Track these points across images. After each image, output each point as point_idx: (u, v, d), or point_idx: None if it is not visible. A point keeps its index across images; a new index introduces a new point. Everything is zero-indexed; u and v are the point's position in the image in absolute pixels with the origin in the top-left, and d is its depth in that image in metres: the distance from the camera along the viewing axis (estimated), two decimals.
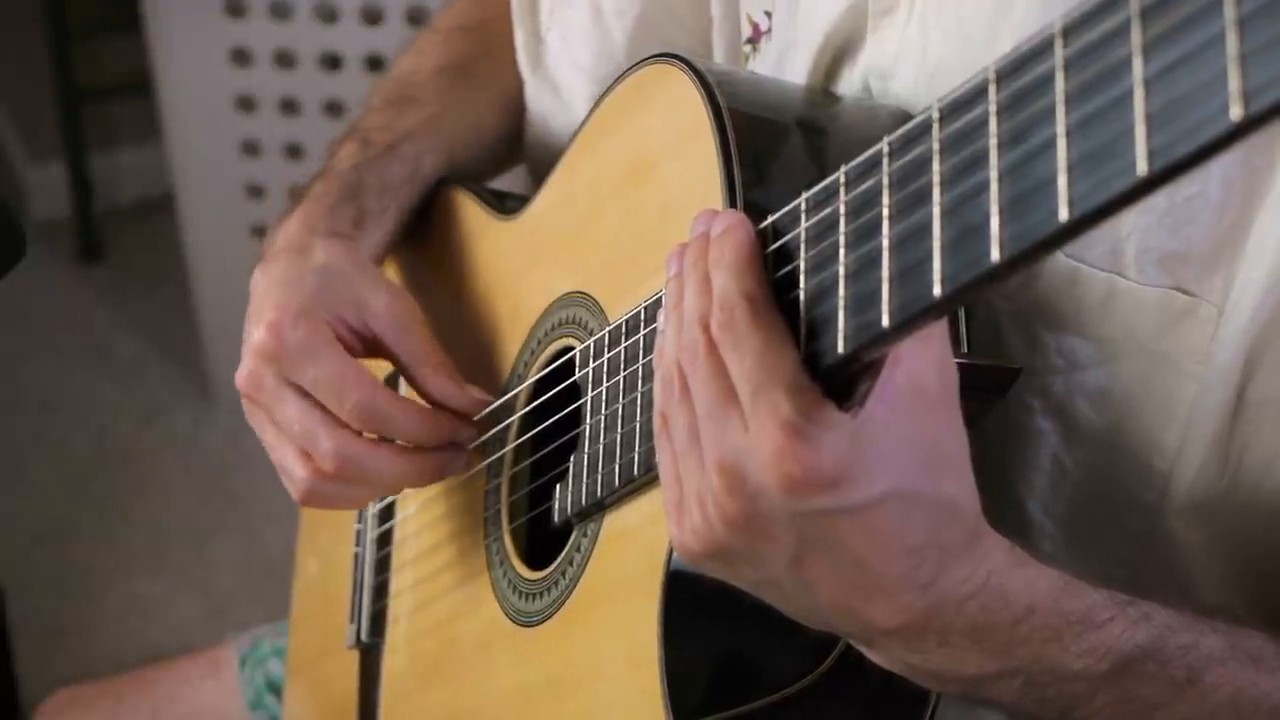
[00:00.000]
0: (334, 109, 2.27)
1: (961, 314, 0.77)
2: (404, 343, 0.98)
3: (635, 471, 0.82)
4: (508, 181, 1.20)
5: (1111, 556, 0.83)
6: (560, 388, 0.93)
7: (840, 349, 0.65)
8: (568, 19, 1.10)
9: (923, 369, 0.64)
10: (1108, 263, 0.77)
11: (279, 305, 0.96)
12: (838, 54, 0.90)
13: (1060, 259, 0.77)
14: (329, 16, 2.21)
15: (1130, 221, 0.75)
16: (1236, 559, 0.82)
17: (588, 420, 0.88)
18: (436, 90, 1.13)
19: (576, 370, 0.90)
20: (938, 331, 0.65)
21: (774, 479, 0.64)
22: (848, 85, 0.89)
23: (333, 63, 2.24)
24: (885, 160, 0.63)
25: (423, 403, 0.99)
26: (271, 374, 0.95)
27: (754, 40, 0.98)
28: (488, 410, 1.01)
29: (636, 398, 0.82)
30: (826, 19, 0.88)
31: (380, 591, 1.11)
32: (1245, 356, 0.76)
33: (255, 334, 0.96)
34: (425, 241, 1.12)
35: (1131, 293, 0.77)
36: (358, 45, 2.23)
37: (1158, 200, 0.73)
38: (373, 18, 2.20)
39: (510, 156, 1.19)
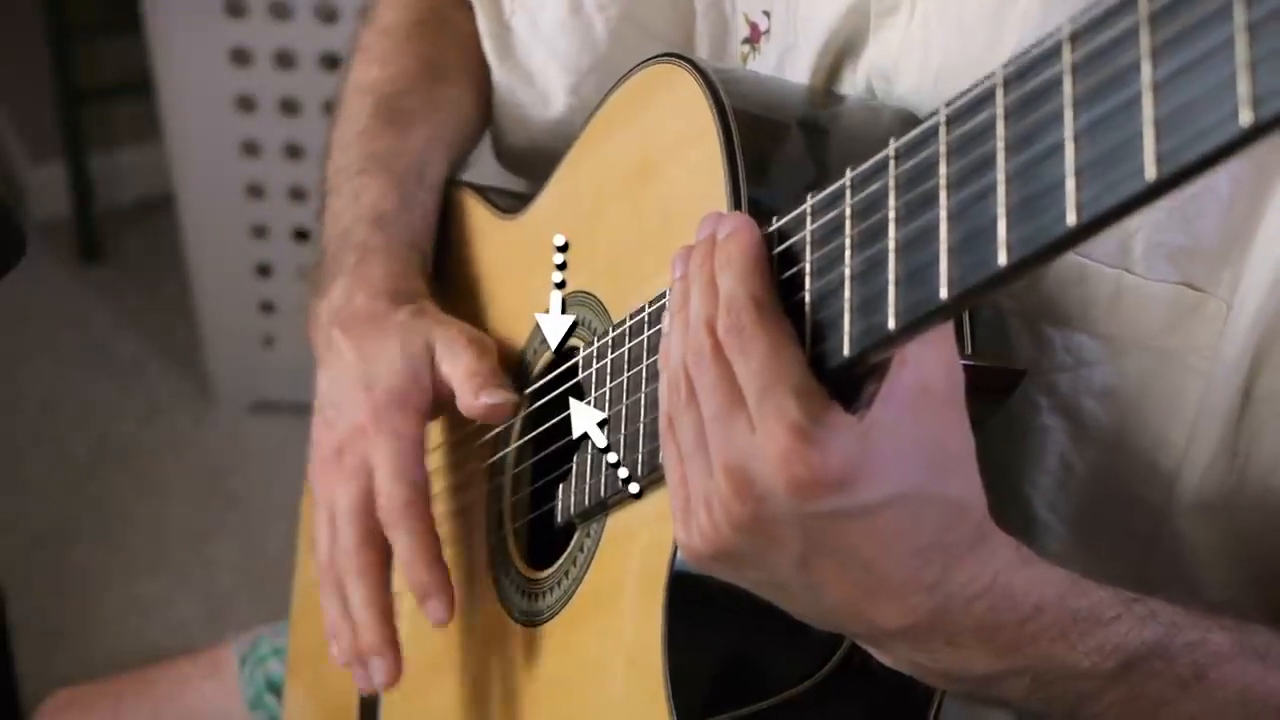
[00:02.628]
0: (334, 108, 2.27)
1: (966, 314, 0.77)
2: (452, 372, 0.97)
3: (639, 472, 0.82)
4: (504, 180, 1.20)
5: (1118, 554, 0.84)
6: (564, 388, 0.93)
7: (846, 351, 0.65)
8: (536, 6, 1.09)
9: (929, 371, 0.64)
10: (1116, 259, 0.77)
11: (383, 384, 0.96)
12: (840, 55, 0.90)
13: (1067, 256, 0.77)
14: (329, 16, 2.21)
15: (1139, 217, 0.75)
16: (1243, 556, 0.82)
17: None
18: (427, 100, 1.12)
19: (580, 370, 0.90)
20: (944, 333, 0.65)
21: (781, 481, 0.64)
22: (851, 86, 0.89)
23: (333, 63, 2.23)
24: (892, 163, 0.63)
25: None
26: (358, 454, 0.96)
27: (753, 40, 0.98)
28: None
29: (640, 398, 0.82)
30: (827, 20, 0.88)
31: None
32: (1252, 352, 0.76)
33: (357, 415, 0.96)
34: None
35: (1140, 289, 0.77)
36: None
37: (1163, 199, 0.73)
38: None
39: (477, 142, 1.19)
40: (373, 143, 1.09)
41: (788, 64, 0.93)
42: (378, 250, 1.03)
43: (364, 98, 1.13)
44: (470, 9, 1.15)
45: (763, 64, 0.97)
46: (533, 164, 1.06)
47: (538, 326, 0.98)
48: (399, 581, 1.10)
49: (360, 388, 0.97)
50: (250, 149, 2.33)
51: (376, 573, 0.96)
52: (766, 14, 0.96)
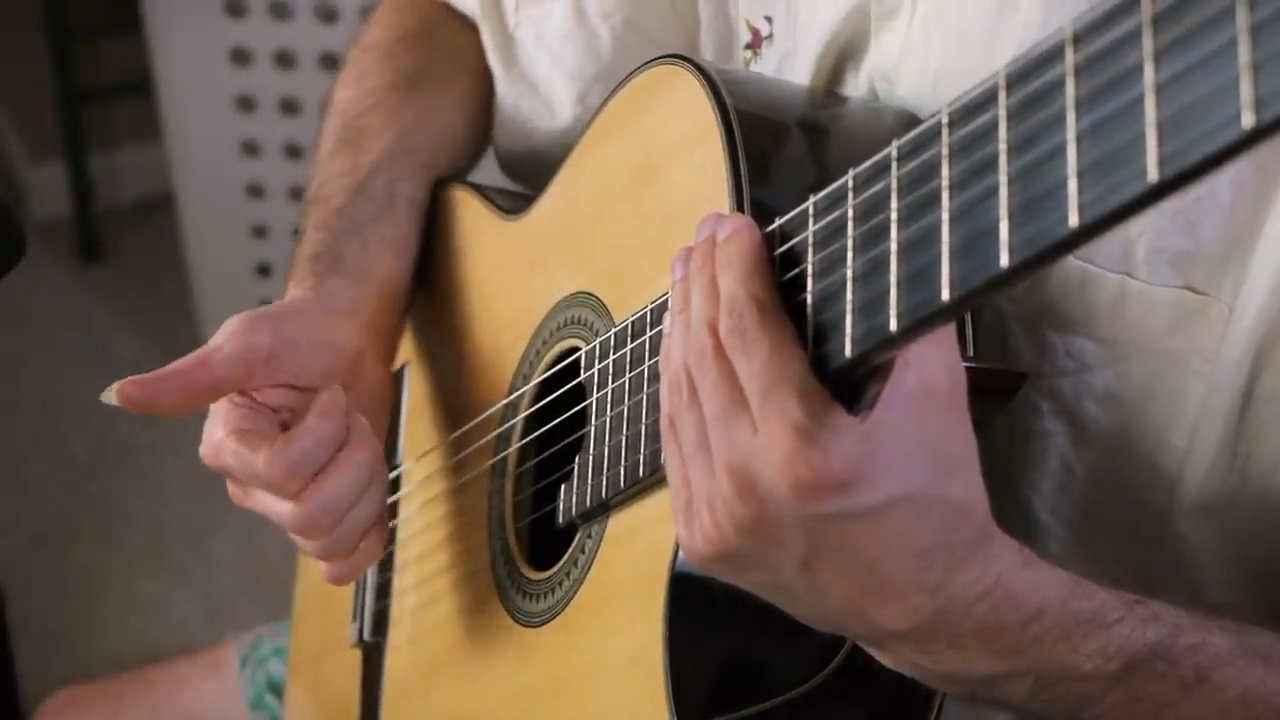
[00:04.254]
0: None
1: (968, 317, 0.77)
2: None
3: (641, 473, 0.82)
4: (506, 182, 1.20)
5: (1119, 557, 0.84)
6: (566, 389, 0.93)
7: (848, 352, 0.65)
8: (541, 16, 1.09)
9: (932, 372, 0.64)
10: (1118, 264, 0.77)
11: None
12: (841, 58, 0.90)
13: (1070, 261, 0.77)
14: (329, 16, 2.21)
15: (1142, 222, 0.75)
16: (1245, 558, 0.82)
17: (593, 421, 0.88)
18: (393, 111, 1.11)
19: (582, 371, 0.90)
20: (946, 335, 0.65)
21: (784, 482, 0.64)
22: (853, 88, 0.90)
23: (333, 63, 2.24)
24: (894, 164, 0.63)
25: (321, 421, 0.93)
26: (230, 481, 0.96)
27: (754, 46, 0.98)
28: (491, 412, 1.01)
29: (642, 399, 0.82)
30: (828, 23, 0.89)
31: (383, 591, 1.11)
32: (1253, 354, 0.76)
33: None
34: (430, 242, 1.11)
35: (1142, 293, 0.77)
36: None
37: (1169, 200, 0.74)
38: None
39: (479, 152, 1.19)
40: (329, 167, 1.10)
41: (787, 68, 0.93)
42: (291, 277, 1.04)
43: (335, 119, 1.13)
44: (466, 22, 1.15)
45: (763, 69, 0.97)
46: (537, 172, 1.06)
47: (540, 327, 0.98)
48: (398, 581, 1.10)
49: None
50: (250, 149, 2.33)
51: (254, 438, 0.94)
52: (768, 19, 0.96)
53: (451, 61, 1.15)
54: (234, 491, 0.97)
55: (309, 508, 0.91)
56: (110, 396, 0.93)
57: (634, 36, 1.06)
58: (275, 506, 0.93)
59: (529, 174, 1.15)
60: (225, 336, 0.95)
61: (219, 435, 0.93)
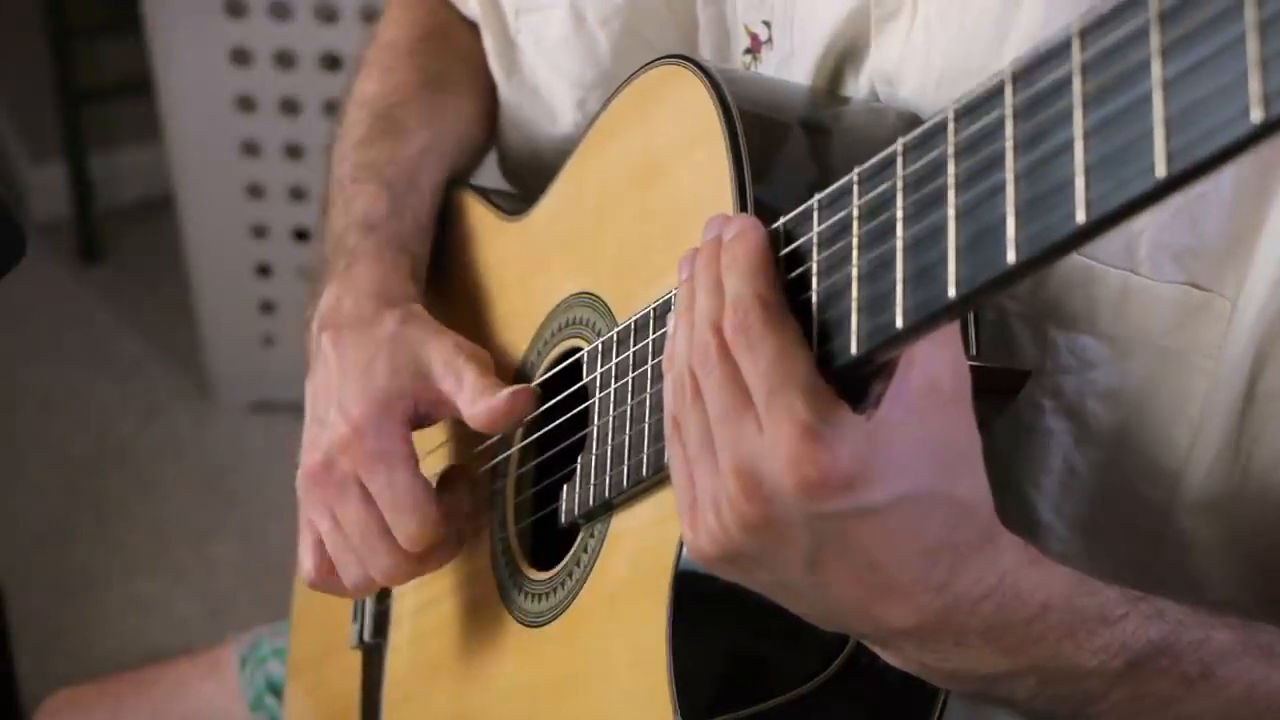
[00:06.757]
0: (334, 109, 2.26)
1: (970, 316, 0.77)
2: (455, 390, 0.96)
3: (644, 473, 0.82)
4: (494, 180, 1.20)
5: (1122, 555, 0.84)
6: (569, 390, 0.92)
7: (853, 350, 0.65)
8: (539, 23, 1.09)
9: (937, 370, 0.64)
10: (1121, 260, 0.77)
11: (365, 398, 0.95)
12: (840, 60, 0.90)
13: (1073, 258, 0.77)
14: (329, 16, 2.21)
15: (1145, 218, 0.75)
16: (1248, 555, 0.82)
17: (595, 421, 0.88)
18: (427, 112, 1.12)
19: (584, 372, 0.90)
20: (951, 332, 0.65)
21: (790, 481, 0.64)
22: (854, 90, 0.89)
23: (333, 63, 2.24)
24: (899, 162, 0.63)
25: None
26: (345, 468, 0.95)
27: (753, 51, 0.98)
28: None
29: (645, 399, 0.82)
30: (827, 26, 0.88)
31: (383, 592, 1.11)
32: (1255, 350, 0.76)
33: (339, 428, 0.95)
34: (432, 243, 1.11)
35: (1146, 290, 0.77)
36: (357, 45, 2.22)
37: (1173, 197, 0.74)
38: (372, 17, 2.20)
39: (484, 158, 1.19)
40: (367, 152, 1.10)
41: (785, 72, 0.93)
42: (366, 255, 1.03)
43: (362, 111, 1.13)
44: (474, 26, 1.15)
45: (763, 73, 0.97)
46: (538, 177, 1.06)
47: (541, 328, 0.98)
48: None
49: (339, 402, 0.96)
50: (250, 149, 2.33)
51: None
52: (766, 24, 0.96)
53: (469, 65, 1.15)
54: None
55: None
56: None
57: (633, 42, 1.06)
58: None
59: (530, 179, 1.15)
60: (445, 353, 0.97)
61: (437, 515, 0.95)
